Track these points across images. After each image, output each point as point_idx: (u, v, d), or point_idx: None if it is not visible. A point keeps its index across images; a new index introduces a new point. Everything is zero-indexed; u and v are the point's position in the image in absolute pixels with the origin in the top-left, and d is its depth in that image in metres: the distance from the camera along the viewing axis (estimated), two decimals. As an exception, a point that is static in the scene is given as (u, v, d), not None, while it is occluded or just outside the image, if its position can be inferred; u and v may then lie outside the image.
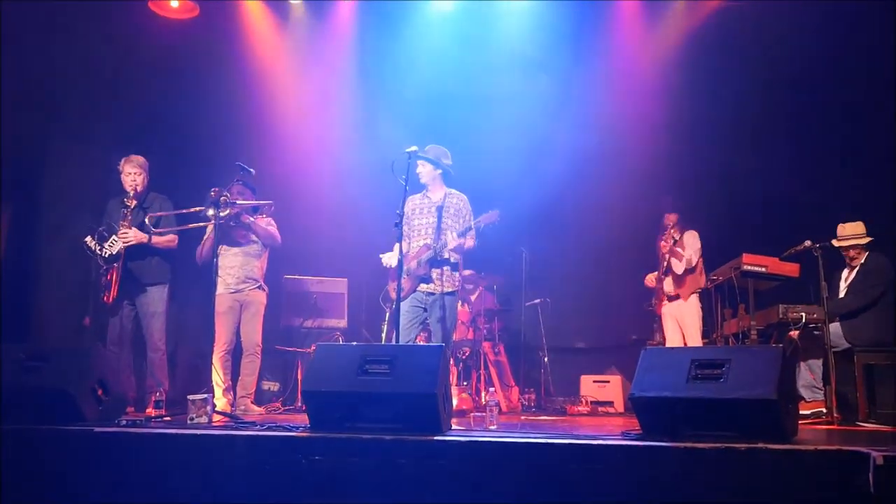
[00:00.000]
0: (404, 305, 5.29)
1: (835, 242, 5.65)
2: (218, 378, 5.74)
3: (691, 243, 6.71)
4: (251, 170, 5.55)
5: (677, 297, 6.69)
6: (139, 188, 5.82)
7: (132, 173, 5.82)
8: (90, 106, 7.11)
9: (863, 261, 5.61)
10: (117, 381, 4.48)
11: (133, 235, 5.68)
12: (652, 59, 7.76)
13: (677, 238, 6.71)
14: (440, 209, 5.39)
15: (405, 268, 5.34)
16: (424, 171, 5.43)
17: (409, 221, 5.48)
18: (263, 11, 8.08)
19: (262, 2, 8.01)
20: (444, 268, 5.33)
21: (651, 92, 7.71)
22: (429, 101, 8.18)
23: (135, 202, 5.80)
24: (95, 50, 7.05)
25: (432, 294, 5.32)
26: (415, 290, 5.33)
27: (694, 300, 6.61)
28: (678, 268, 6.66)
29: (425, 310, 5.36)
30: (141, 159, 5.88)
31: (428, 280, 5.30)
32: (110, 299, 5.67)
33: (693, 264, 6.63)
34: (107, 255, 5.68)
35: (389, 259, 5.52)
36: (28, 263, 6.88)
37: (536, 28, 8.07)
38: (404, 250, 5.44)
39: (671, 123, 7.59)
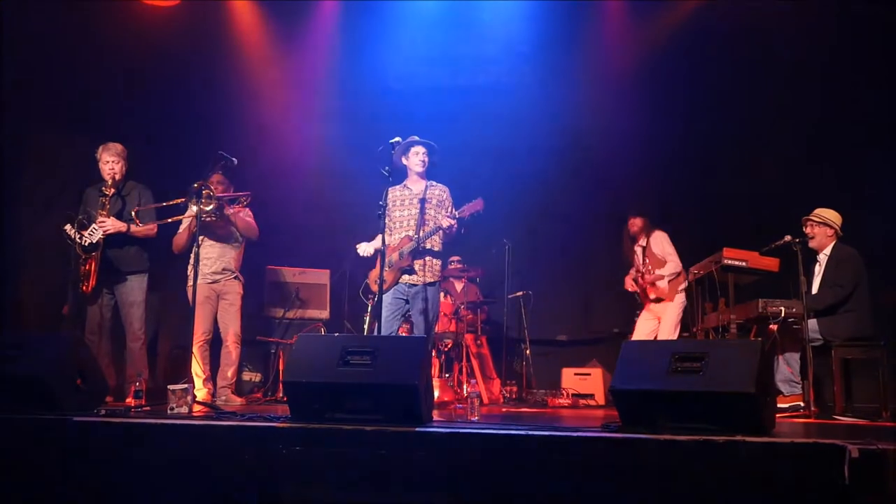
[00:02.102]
0: (386, 297, 5.27)
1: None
2: (198, 368, 5.72)
3: (666, 249, 6.69)
4: (233, 159, 5.52)
5: (662, 299, 6.74)
6: (117, 176, 5.76)
7: (110, 161, 5.76)
8: (71, 93, 7.03)
9: (829, 252, 5.66)
10: (96, 369, 4.45)
11: (111, 224, 5.63)
12: (634, 55, 7.78)
13: (645, 245, 6.75)
14: (422, 201, 5.36)
15: (387, 259, 5.32)
16: (426, 159, 5.38)
17: (390, 213, 5.45)
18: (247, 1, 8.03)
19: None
20: (427, 258, 5.31)
21: (634, 86, 7.74)
22: (412, 93, 8.19)
23: (113, 190, 5.75)
24: (76, 37, 6.97)
25: (414, 286, 5.30)
26: (397, 282, 5.31)
27: (679, 299, 6.64)
28: (664, 283, 6.68)
29: (407, 301, 5.35)
30: (119, 147, 5.81)
31: (410, 271, 5.28)
32: (89, 289, 5.62)
33: (679, 269, 6.64)
34: (86, 244, 5.64)
35: (366, 249, 5.51)
36: (6, 251, 6.81)
37: (522, 22, 8.11)
38: (385, 242, 5.43)
39: (654, 117, 7.63)
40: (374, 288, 5.52)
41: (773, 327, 5.54)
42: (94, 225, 5.66)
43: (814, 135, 7.05)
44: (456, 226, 5.22)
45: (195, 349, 5.69)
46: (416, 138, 5.36)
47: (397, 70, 8.11)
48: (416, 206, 5.37)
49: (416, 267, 5.28)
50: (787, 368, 5.61)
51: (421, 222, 5.31)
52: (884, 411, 5.06)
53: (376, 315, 5.15)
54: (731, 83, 7.38)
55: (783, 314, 5.35)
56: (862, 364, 5.47)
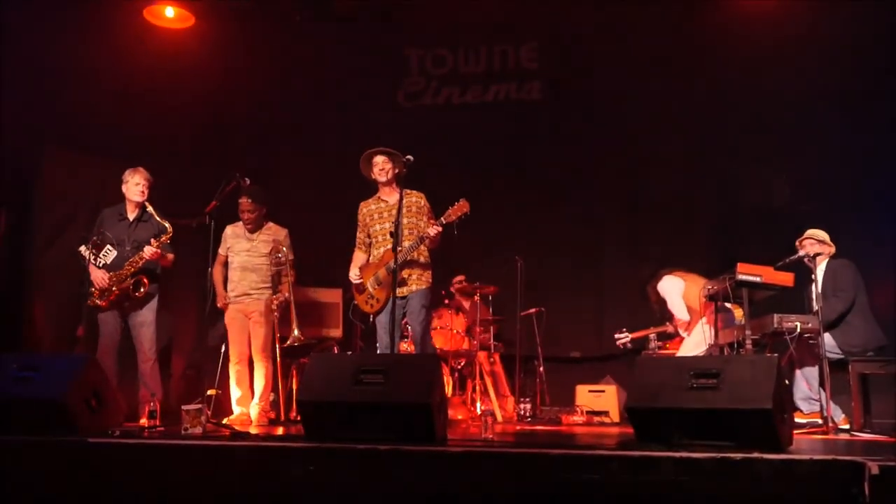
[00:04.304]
0: (382, 317, 5.23)
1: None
2: (234, 389, 5.88)
3: (668, 299, 6.61)
4: (246, 179, 5.57)
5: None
6: (144, 200, 5.82)
7: (141, 183, 5.80)
8: (85, 114, 7.10)
9: (823, 267, 5.69)
10: (111, 390, 4.46)
11: (154, 253, 5.65)
12: (645, 66, 7.77)
13: (660, 296, 6.72)
14: (400, 210, 5.16)
15: (373, 276, 5.27)
16: (387, 167, 5.28)
17: (367, 228, 5.40)
18: (259, 22, 8.07)
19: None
20: (416, 268, 5.24)
21: (641, 101, 7.74)
22: (426, 110, 8.24)
23: (136, 213, 5.80)
24: (91, 57, 7.05)
25: (405, 297, 5.21)
26: (388, 299, 5.16)
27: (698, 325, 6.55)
28: (684, 332, 6.67)
29: (404, 314, 5.28)
30: (147, 172, 5.87)
31: (401, 284, 5.16)
32: (106, 304, 5.65)
33: (683, 318, 6.55)
34: (101, 265, 5.67)
35: (354, 274, 5.46)
36: (20, 272, 6.85)
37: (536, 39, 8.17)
38: (362, 259, 5.42)
39: (664, 132, 7.63)
40: (366, 308, 5.43)
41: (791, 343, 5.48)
42: (108, 246, 5.70)
43: (830, 146, 7.03)
44: (441, 231, 5.12)
45: (230, 371, 5.91)
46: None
47: (409, 88, 8.18)
48: (394, 216, 5.18)
49: (405, 276, 5.19)
50: (805, 385, 5.57)
51: (399, 233, 5.11)
52: (903, 427, 5.00)
53: (388, 332, 5.12)
54: (744, 95, 7.39)
55: (798, 329, 5.31)
56: (880, 379, 5.42)
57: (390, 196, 5.34)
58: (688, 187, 7.58)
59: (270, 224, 6.16)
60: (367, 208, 5.43)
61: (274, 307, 6.00)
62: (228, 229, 6.09)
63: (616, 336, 7.16)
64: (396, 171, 5.30)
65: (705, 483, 2.89)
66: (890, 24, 6.50)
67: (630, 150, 7.76)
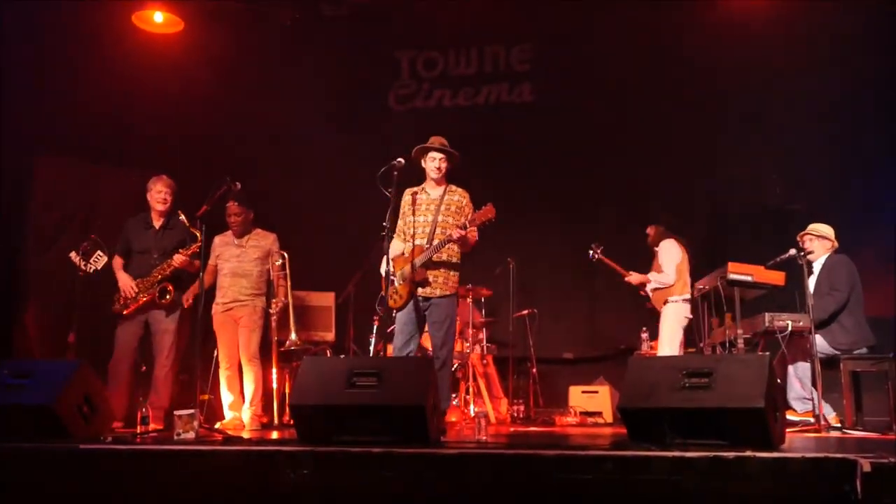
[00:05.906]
0: (402, 315, 5.01)
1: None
2: (225, 395, 5.91)
3: (663, 258, 6.63)
4: (237, 183, 5.55)
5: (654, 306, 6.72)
6: (168, 208, 5.84)
7: (164, 191, 5.83)
8: (76, 121, 7.08)
9: (822, 262, 5.72)
10: (102, 396, 4.44)
11: (182, 261, 5.68)
12: (637, 66, 7.80)
13: (656, 249, 6.73)
14: (439, 207, 5.06)
15: (400, 271, 5.05)
16: (443, 165, 5.11)
17: (404, 217, 5.17)
18: (249, 26, 8.08)
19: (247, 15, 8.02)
20: (442, 269, 5.02)
21: (632, 101, 7.77)
22: (414, 112, 8.24)
23: (161, 221, 5.83)
24: (80, 63, 7.04)
25: (429, 299, 4.99)
26: (412, 297, 4.98)
27: (670, 308, 6.54)
28: (649, 288, 6.68)
29: (424, 317, 5.05)
30: (170, 180, 5.89)
31: (424, 284, 4.98)
32: (130, 311, 5.67)
33: (667, 283, 6.53)
34: (91, 271, 5.67)
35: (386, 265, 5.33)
36: (12, 279, 6.83)
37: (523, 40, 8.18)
38: (398, 249, 5.19)
39: (656, 133, 7.65)
40: (389, 303, 5.16)
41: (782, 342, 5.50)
42: (98, 252, 5.70)
43: (821, 146, 7.06)
44: (472, 234, 4.93)
45: (220, 376, 5.96)
46: (438, 143, 5.13)
47: (400, 90, 8.18)
48: (432, 212, 5.06)
49: (431, 278, 4.99)
50: (798, 385, 5.58)
51: (435, 229, 5.01)
52: (895, 424, 5.02)
53: (382, 335, 5.07)
54: (734, 93, 7.42)
55: (790, 328, 5.33)
56: (871, 377, 5.45)
57: (434, 189, 5.16)
58: (680, 187, 7.61)
59: (258, 229, 6.16)
60: (409, 195, 5.19)
61: (273, 312, 6.01)
62: (217, 239, 6.09)
63: (591, 248, 7.08)
64: (450, 167, 5.17)
65: (698, 482, 2.89)
66: (886, 21, 6.55)
67: (621, 152, 7.79)
